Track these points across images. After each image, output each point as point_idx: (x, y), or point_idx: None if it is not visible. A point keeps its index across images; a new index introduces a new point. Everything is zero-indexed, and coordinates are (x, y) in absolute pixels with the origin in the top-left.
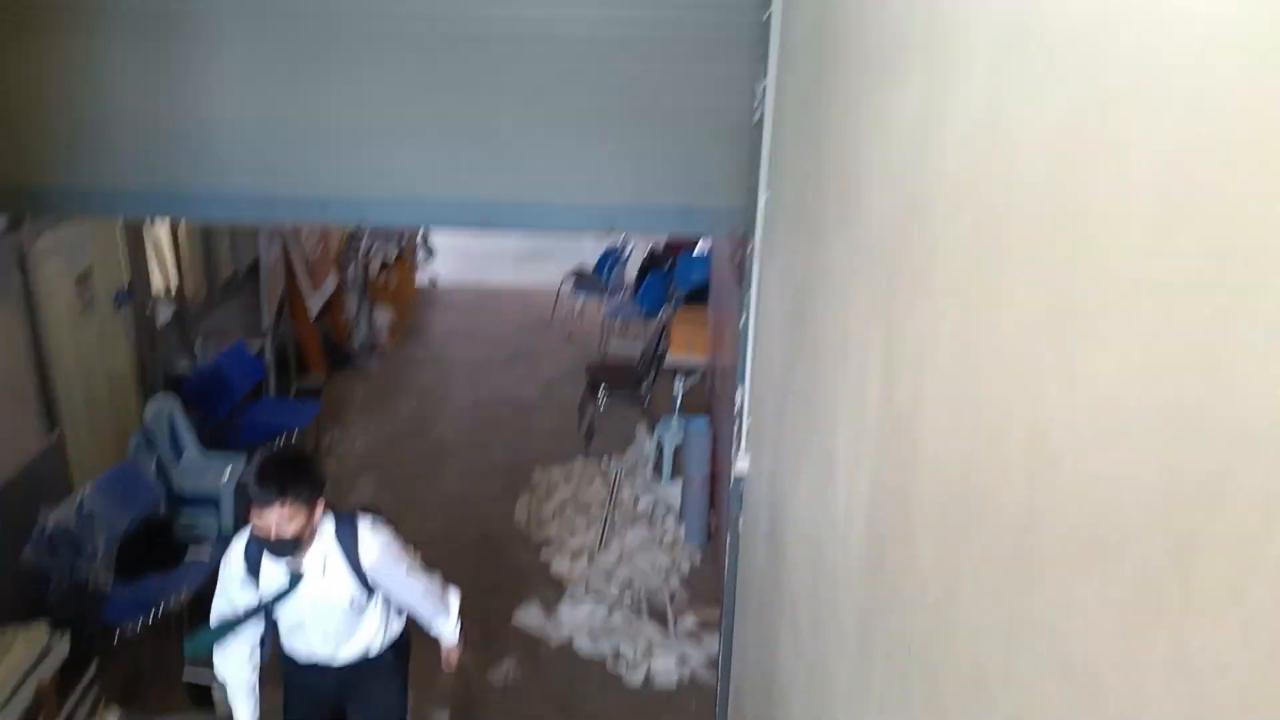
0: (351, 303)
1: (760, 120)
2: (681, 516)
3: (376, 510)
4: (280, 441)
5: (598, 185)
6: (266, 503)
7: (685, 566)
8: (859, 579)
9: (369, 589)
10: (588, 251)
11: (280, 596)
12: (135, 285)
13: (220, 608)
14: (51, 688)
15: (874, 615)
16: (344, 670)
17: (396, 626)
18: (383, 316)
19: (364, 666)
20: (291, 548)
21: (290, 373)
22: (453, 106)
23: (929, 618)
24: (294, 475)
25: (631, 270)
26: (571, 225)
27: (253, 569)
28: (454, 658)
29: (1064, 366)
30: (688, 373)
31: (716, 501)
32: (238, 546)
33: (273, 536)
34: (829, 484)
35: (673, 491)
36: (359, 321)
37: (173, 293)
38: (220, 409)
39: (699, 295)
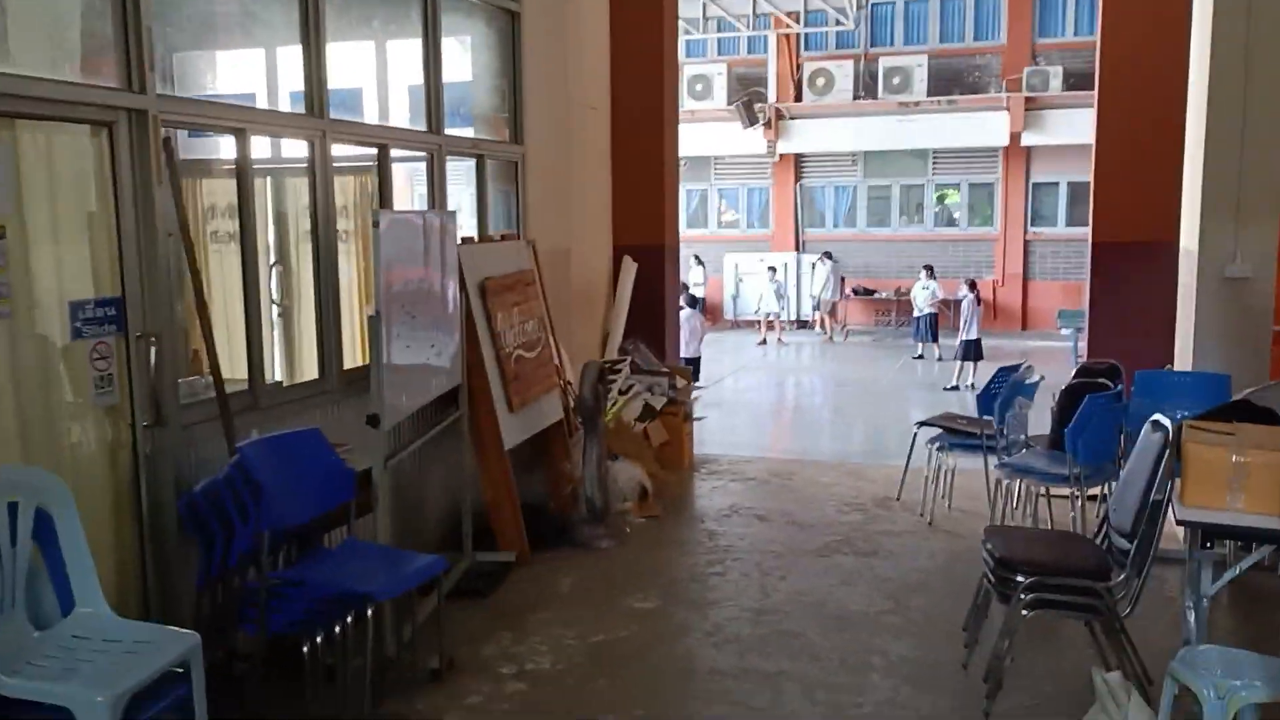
0: (580, 446)
1: None
2: None
3: None
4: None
5: None
6: None
7: None
8: None
9: None
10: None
11: None
12: (134, 306)
13: None
14: None
15: None
16: None
17: None
18: (629, 474)
19: None
20: None
21: (463, 540)
22: None
23: None
24: None
25: (1042, 406)
26: None
27: None
28: None
29: None
30: (1244, 546)
31: None
32: None
33: None
34: None
35: None
36: (589, 475)
37: (215, 355)
38: (235, 543)
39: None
